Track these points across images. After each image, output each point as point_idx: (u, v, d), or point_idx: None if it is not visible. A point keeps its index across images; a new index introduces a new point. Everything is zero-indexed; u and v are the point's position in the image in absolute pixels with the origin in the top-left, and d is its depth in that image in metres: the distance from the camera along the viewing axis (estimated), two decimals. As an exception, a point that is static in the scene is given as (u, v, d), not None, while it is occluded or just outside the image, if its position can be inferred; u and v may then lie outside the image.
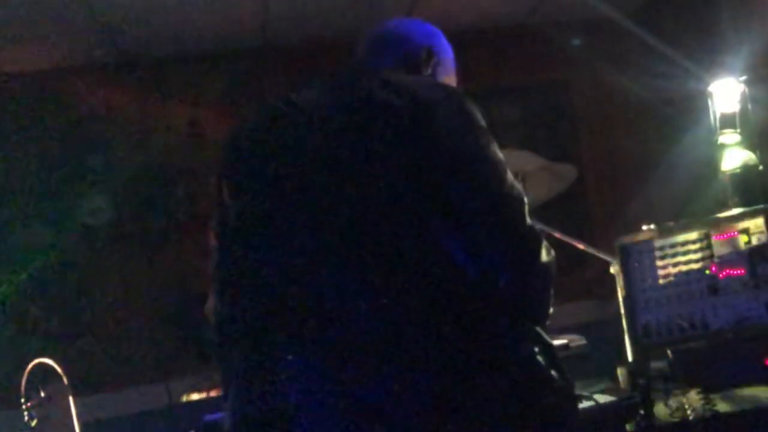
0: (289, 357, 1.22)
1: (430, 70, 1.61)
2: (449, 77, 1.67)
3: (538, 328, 1.35)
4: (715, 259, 2.34)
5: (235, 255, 1.38)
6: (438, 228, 1.27)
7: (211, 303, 1.43)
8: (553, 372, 1.30)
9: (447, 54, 1.68)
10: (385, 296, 1.23)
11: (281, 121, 1.42)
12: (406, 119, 1.31)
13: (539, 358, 1.29)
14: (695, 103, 3.11)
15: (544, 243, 1.37)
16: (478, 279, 1.28)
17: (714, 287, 2.33)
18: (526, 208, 1.37)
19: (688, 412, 2.11)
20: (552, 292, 1.39)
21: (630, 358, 2.41)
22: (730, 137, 2.71)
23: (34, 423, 2.68)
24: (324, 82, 1.48)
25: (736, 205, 2.59)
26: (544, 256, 1.35)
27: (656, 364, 2.34)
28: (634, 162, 4.72)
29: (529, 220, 1.36)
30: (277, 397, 1.22)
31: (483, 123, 1.39)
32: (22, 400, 2.69)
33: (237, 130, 1.50)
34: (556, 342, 2.37)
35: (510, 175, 1.37)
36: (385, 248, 1.25)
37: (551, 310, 1.40)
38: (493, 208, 1.32)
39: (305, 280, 1.26)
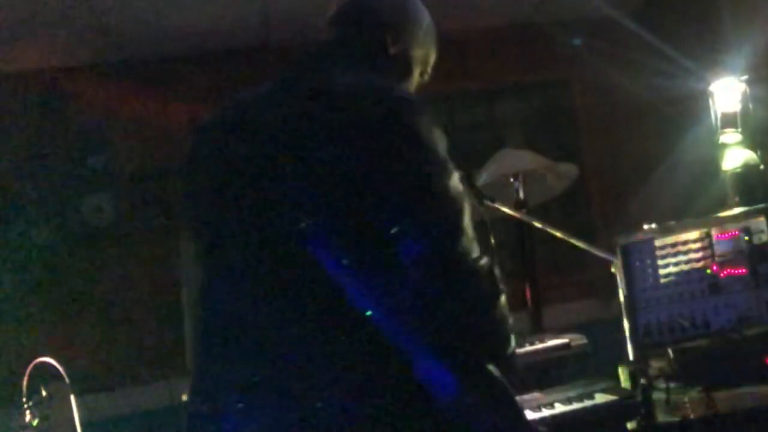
0: (240, 405, 1.18)
1: (398, 47, 1.47)
2: (422, 48, 1.54)
3: (491, 368, 1.21)
4: (716, 259, 2.34)
5: (196, 274, 1.36)
6: (375, 270, 1.15)
7: (184, 295, 1.43)
8: (487, 416, 1.20)
9: (419, 24, 1.54)
10: (319, 339, 1.16)
11: (228, 128, 1.35)
12: (350, 141, 1.17)
13: (475, 404, 1.19)
14: (696, 103, 3.11)
15: (501, 291, 1.22)
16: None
17: (715, 286, 2.33)
18: (482, 263, 1.19)
19: (689, 411, 2.10)
20: (509, 326, 1.24)
21: (631, 357, 2.40)
22: (731, 136, 2.71)
23: (35, 422, 2.68)
24: (277, 80, 1.38)
25: (737, 205, 2.59)
26: (498, 309, 1.21)
27: (657, 364, 2.33)
28: (635, 161, 4.71)
29: (480, 265, 1.19)
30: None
31: (440, 150, 1.21)
32: (24, 399, 2.69)
33: (197, 130, 1.44)
34: (558, 341, 2.38)
35: (466, 218, 1.19)
36: (317, 284, 1.16)
37: (512, 344, 1.25)
38: (438, 259, 1.15)
39: (244, 317, 1.22)
